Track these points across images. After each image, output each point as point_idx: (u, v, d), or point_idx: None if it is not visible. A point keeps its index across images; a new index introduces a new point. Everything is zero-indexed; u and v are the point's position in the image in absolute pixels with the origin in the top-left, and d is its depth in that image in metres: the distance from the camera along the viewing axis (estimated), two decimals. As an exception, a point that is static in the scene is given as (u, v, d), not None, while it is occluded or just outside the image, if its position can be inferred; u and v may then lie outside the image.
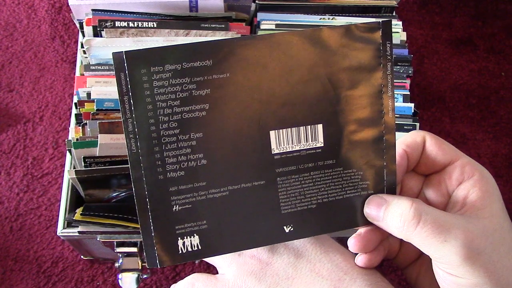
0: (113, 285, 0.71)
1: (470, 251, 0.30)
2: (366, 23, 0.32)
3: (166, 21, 0.55)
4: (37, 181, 0.76)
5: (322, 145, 0.34)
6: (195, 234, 0.33)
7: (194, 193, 0.33)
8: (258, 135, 0.33)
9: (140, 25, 0.54)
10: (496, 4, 0.99)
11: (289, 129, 0.33)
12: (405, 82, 0.59)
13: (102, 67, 0.53)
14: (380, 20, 0.33)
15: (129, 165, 0.31)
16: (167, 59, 0.30)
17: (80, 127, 0.49)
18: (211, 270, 0.36)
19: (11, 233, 0.73)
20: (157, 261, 0.33)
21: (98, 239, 0.54)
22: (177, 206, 0.33)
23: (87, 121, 0.49)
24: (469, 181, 0.34)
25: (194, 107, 0.31)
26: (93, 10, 0.54)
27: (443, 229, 0.31)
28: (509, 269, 0.31)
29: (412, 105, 0.54)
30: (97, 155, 0.48)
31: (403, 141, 0.36)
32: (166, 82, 0.31)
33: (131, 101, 0.31)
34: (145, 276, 0.60)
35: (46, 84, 0.84)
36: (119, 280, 0.58)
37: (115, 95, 0.50)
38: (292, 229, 0.35)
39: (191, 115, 0.31)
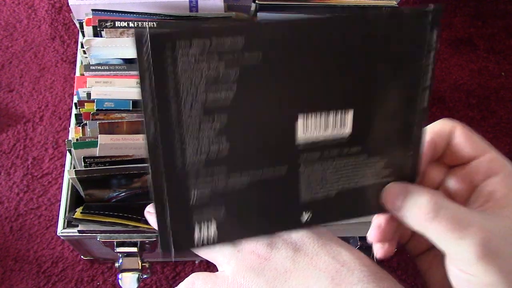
0: (113, 285, 0.71)
1: (486, 250, 0.30)
2: (415, 8, 0.31)
3: (166, 21, 0.55)
4: (37, 181, 0.76)
5: (350, 131, 0.32)
6: (212, 220, 0.32)
7: (213, 178, 0.31)
8: (285, 119, 0.31)
9: (140, 25, 0.54)
10: (496, 4, 0.99)
11: (318, 114, 0.31)
12: (405, 82, 0.59)
13: (102, 67, 0.53)
14: (431, 5, 0.31)
15: (146, 147, 0.29)
16: (196, 33, 0.27)
17: (80, 128, 0.49)
18: (212, 269, 0.36)
19: (11, 233, 0.73)
20: (172, 247, 0.32)
21: (98, 239, 0.54)
22: (196, 190, 0.31)
23: (87, 122, 0.49)
24: (496, 177, 0.33)
25: (221, 87, 0.29)
26: (93, 10, 0.54)
27: (461, 226, 0.30)
28: None
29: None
30: (97, 155, 0.48)
31: (432, 128, 0.35)
32: (192, 59, 0.28)
33: (153, 78, 0.28)
34: (145, 276, 0.60)
35: (46, 84, 0.84)
36: (119, 280, 0.58)
37: (115, 95, 0.50)
38: (311, 215, 0.34)
39: (217, 96, 0.29)
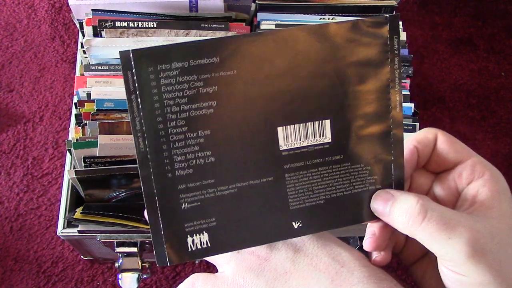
0: (113, 285, 0.71)
1: (475, 249, 0.30)
2: (373, 18, 0.32)
3: (166, 21, 0.55)
4: (37, 181, 0.76)
5: (330, 140, 0.34)
6: (204, 232, 0.33)
7: (202, 191, 0.33)
8: (266, 131, 0.33)
9: (140, 25, 0.54)
10: (496, 4, 0.99)
11: (296, 125, 0.33)
12: (405, 82, 0.59)
13: (102, 67, 0.53)
14: (387, 15, 0.33)
15: (137, 164, 0.31)
16: (174, 57, 0.30)
17: (80, 128, 0.49)
18: (211, 270, 0.37)
19: (11, 233, 0.73)
20: (167, 259, 0.33)
21: (98, 239, 0.54)
22: (186, 204, 0.33)
23: (87, 122, 0.49)
24: (479, 180, 0.34)
25: (202, 105, 0.31)
26: (93, 10, 0.54)
27: (449, 226, 0.31)
28: None
29: (412, 105, 0.54)
30: (97, 155, 0.48)
31: (415, 137, 0.36)
32: (173, 80, 0.30)
33: (139, 99, 0.30)
34: (145, 276, 0.60)
35: (46, 84, 0.84)
36: (119, 280, 0.58)
37: (115, 95, 0.50)
38: (300, 224, 0.35)
39: (199, 112, 0.31)
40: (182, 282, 0.37)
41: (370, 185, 0.35)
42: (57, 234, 0.54)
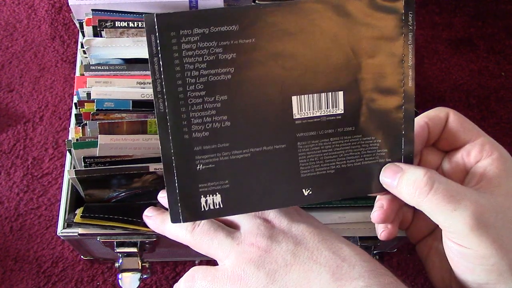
0: (113, 285, 0.71)
1: (479, 222, 0.31)
2: None
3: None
4: (37, 181, 0.76)
5: (342, 112, 0.35)
6: (217, 193, 0.34)
7: (217, 154, 0.34)
8: (281, 100, 0.34)
9: (140, 25, 0.54)
10: (496, 4, 0.99)
11: (310, 95, 0.34)
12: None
13: (102, 67, 0.53)
14: None
15: (156, 125, 0.33)
16: (196, 23, 0.31)
17: (80, 128, 0.49)
18: (212, 266, 0.36)
19: (11, 233, 0.73)
20: (181, 217, 0.34)
21: (98, 239, 0.54)
22: (201, 165, 0.34)
23: (87, 122, 0.49)
24: (487, 159, 0.34)
25: (220, 71, 0.32)
26: (93, 10, 0.54)
27: (454, 199, 0.31)
28: None
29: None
30: (97, 155, 0.48)
31: (426, 114, 0.37)
32: (194, 45, 0.32)
33: (160, 62, 0.32)
34: (145, 276, 0.60)
35: (46, 84, 0.84)
36: (119, 280, 0.58)
37: (115, 95, 0.50)
38: (310, 192, 0.35)
39: (217, 78, 0.32)
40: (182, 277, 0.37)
41: (380, 158, 0.36)
42: (57, 234, 0.54)
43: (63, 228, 0.54)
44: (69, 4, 0.55)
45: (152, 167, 0.48)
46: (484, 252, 0.31)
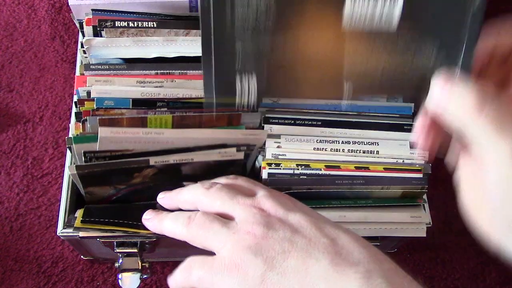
0: (113, 285, 0.71)
1: None
2: None
3: (166, 21, 0.55)
4: (37, 181, 0.76)
5: (401, 7, 0.31)
6: (253, 73, 0.34)
7: (259, 42, 0.32)
8: None
9: (140, 25, 0.54)
10: (496, 4, 0.99)
11: None
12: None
13: (102, 66, 0.53)
14: None
15: (200, 9, 0.32)
16: None
17: (80, 124, 0.49)
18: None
19: (11, 233, 0.73)
20: (213, 91, 0.34)
21: (98, 239, 0.54)
22: (241, 47, 0.33)
23: (87, 117, 0.49)
24: None
25: None
26: (93, 10, 0.54)
27: (503, 128, 0.28)
28: None
29: (412, 105, 0.54)
30: (98, 149, 0.48)
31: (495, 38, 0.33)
32: None
33: None
34: (145, 276, 0.60)
35: (46, 84, 0.84)
36: (119, 280, 0.58)
37: (115, 94, 0.50)
38: (351, 86, 0.34)
39: None
40: (178, 267, 0.37)
41: (435, 61, 0.32)
42: (57, 234, 0.54)
43: (63, 228, 0.54)
44: (69, 4, 0.55)
45: (153, 160, 0.49)
46: None
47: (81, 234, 0.52)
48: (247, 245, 0.33)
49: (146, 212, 0.42)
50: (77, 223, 0.50)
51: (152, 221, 0.40)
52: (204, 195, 0.38)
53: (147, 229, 0.42)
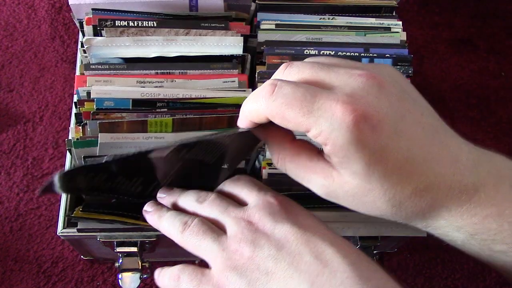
0: (113, 285, 0.70)
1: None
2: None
3: (166, 20, 0.55)
4: (37, 181, 0.76)
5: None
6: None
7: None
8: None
9: (140, 24, 0.54)
10: (496, 4, 0.99)
11: None
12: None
13: (102, 66, 0.53)
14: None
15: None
16: None
17: (80, 127, 0.49)
18: (204, 264, 0.36)
19: (11, 233, 0.73)
20: None
21: (98, 239, 0.54)
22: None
23: (87, 121, 0.49)
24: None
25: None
26: (93, 9, 0.54)
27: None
28: None
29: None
30: (97, 154, 0.48)
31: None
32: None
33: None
34: (145, 276, 0.60)
35: (46, 84, 0.84)
36: (119, 280, 0.58)
37: (115, 94, 0.50)
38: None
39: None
40: (167, 270, 0.37)
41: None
42: (57, 234, 0.54)
43: (63, 228, 0.54)
44: (69, 4, 0.55)
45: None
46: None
47: (80, 226, 0.52)
48: (234, 266, 0.34)
49: (147, 203, 0.42)
50: (76, 212, 0.50)
51: (152, 215, 0.41)
52: (197, 208, 0.39)
53: (146, 222, 0.42)
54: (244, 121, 0.34)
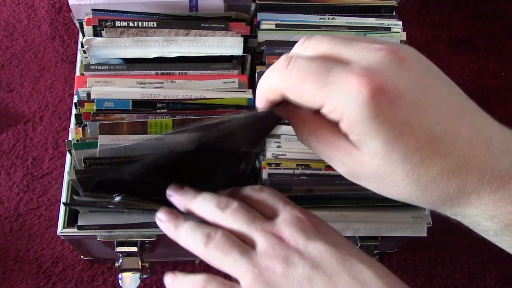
0: (113, 285, 0.71)
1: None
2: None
3: (166, 20, 0.55)
4: (37, 181, 0.76)
5: None
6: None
7: None
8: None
9: (140, 25, 0.54)
10: (496, 4, 0.99)
11: None
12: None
13: (102, 67, 0.53)
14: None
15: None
16: None
17: (80, 128, 0.49)
18: (211, 270, 0.36)
19: (11, 233, 0.73)
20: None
21: (98, 239, 0.54)
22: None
23: (87, 122, 0.48)
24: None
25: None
26: (93, 10, 0.54)
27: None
28: None
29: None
30: (97, 156, 0.48)
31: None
32: None
33: None
34: (145, 276, 0.60)
35: (46, 84, 0.84)
36: (119, 280, 0.58)
37: (115, 95, 0.50)
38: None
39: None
40: (189, 278, 0.35)
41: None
42: (57, 234, 0.54)
43: (63, 228, 0.54)
44: (69, 4, 0.55)
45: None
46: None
47: (80, 221, 0.51)
48: (266, 282, 0.32)
49: (161, 211, 0.38)
50: (78, 198, 0.49)
51: (167, 224, 0.37)
52: (219, 217, 0.36)
53: (149, 201, 0.40)
54: (260, 100, 0.32)
